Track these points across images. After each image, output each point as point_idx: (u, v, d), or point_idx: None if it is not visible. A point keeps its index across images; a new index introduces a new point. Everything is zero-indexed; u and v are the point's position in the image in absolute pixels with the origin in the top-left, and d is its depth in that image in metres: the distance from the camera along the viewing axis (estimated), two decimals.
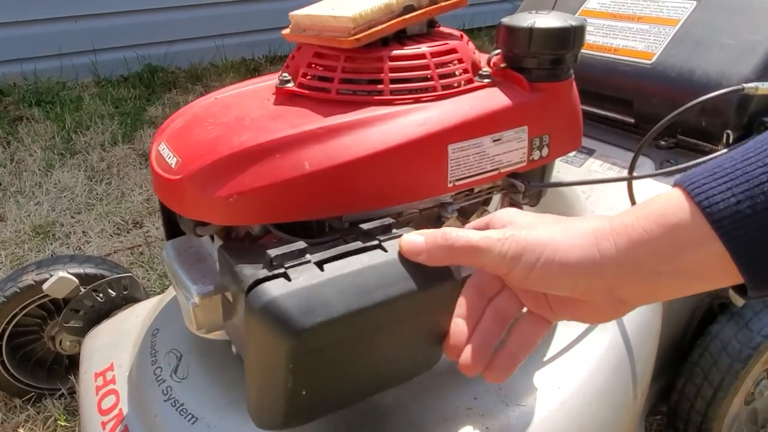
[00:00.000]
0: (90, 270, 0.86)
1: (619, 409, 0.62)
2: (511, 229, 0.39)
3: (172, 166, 0.53)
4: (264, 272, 0.44)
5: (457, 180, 0.56)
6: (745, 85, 0.63)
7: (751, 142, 0.33)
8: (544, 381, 0.62)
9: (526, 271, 0.37)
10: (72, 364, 0.93)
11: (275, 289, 0.39)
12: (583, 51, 0.88)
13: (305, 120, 0.53)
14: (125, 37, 2.62)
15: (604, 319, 0.40)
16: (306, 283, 0.40)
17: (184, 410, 0.61)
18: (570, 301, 0.39)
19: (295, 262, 0.43)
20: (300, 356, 0.39)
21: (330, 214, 0.52)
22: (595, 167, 0.82)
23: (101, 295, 0.85)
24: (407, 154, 0.52)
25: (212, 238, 0.60)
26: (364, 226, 0.48)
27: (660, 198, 0.35)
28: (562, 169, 0.85)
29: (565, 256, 0.36)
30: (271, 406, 0.44)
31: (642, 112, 0.80)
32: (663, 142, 0.77)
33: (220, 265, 0.53)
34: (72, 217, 1.50)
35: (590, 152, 0.84)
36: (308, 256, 0.45)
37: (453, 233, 0.40)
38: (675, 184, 0.34)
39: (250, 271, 0.44)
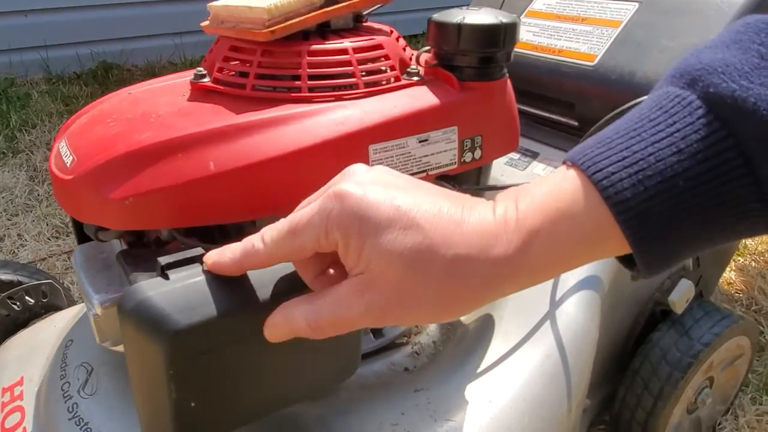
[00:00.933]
0: (6, 276, 0.81)
1: (553, 423, 0.60)
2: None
3: (67, 165, 0.49)
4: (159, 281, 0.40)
5: None
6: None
7: (634, 111, 0.31)
8: (475, 394, 0.59)
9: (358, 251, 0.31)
10: None
11: (149, 288, 0.36)
12: (527, 52, 0.87)
13: (215, 117, 0.49)
14: (78, 33, 2.53)
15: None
16: (184, 281, 0.36)
17: (88, 429, 0.56)
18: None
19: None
20: (179, 360, 0.36)
21: (240, 218, 0.48)
22: (538, 170, 0.80)
23: (18, 303, 0.79)
24: (324, 155, 0.49)
25: (121, 242, 0.56)
26: None
27: (554, 180, 0.32)
28: (506, 173, 0.83)
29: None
30: (162, 426, 0.40)
31: (584, 114, 0.78)
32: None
33: (121, 271, 0.49)
34: (8, 219, 1.43)
35: (534, 155, 0.82)
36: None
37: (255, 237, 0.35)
38: (566, 161, 0.32)
39: (144, 279, 0.40)
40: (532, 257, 0.31)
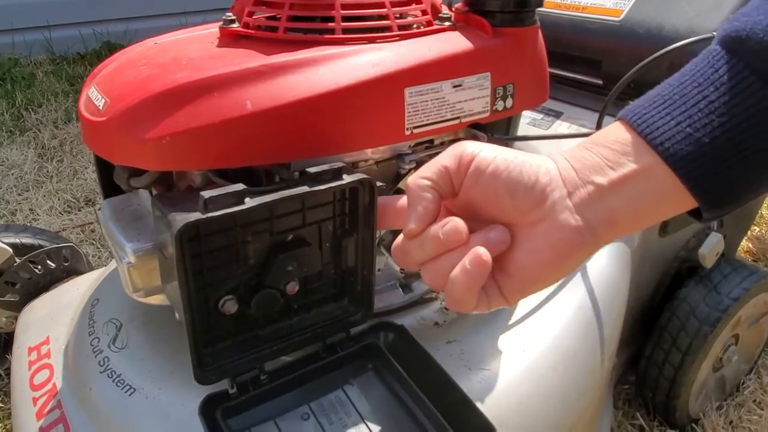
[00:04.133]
0: (27, 240, 0.80)
1: (587, 373, 0.60)
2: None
3: (100, 108, 0.48)
4: (196, 215, 0.39)
5: (415, 127, 0.52)
6: (715, 33, 0.60)
7: (685, 67, 0.33)
8: (508, 345, 0.59)
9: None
10: (10, 343, 0.87)
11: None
12: (550, 10, 0.86)
13: (249, 59, 0.48)
14: (81, 13, 2.50)
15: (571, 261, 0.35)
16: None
17: (121, 381, 0.56)
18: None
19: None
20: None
21: (275, 159, 0.47)
22: (562, 129, 0.79)
23: (39, 266, 0.79)
24: (360, 97, 0.48)
25: (152, 193, 0.55)
26: (312, 169, 0.44)
27: (604, 134, 0.33)
28: (530, 132, 0.82)
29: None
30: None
31: (610, 71, 0.77)
32: (631, 102, 0.75)
33: (154, 218, 0.48)
34: (19, 195, 1.42)
35: (558, 115, 0.81)
36: (247, 200, 0.41)
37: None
38: (617, 118, 0.34)
39: (183, 216, 0.40)
40: (604, 215, 0.32)
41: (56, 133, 1.76)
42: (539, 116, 0.82)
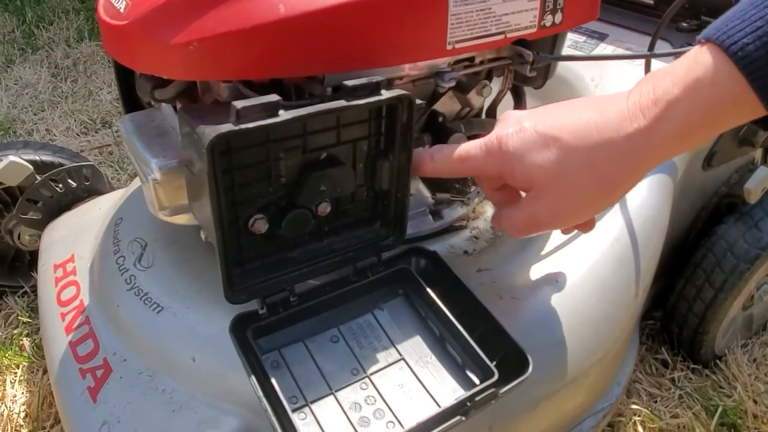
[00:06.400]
0: (47, 157, 0.78)
1: (620, 305, 0.58)
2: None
3: (121, 10, 0.44)
4: (228, 126, 0.37)
5: (458, 42, 0.48)
6: None
7: None
8: (540, 275, 0.57)
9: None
10: (34, 261, 0.87)
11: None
12: None
13: None
14: None
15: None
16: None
17: (149, 299, 0.55)
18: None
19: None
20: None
21: (309, 71, 0.44)
22: (607, 53, 0.74)
23: (60, 185, 0.77)
24: (400, 5, 0.44)
25: (175, 109, 0.52)
26: (350, 82, 0.41)
27: (689, 58, 0.35)
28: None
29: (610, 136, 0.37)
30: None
31: None
32: (685, 24, 0.69)
33: (181, 132, 0.46)
34: (35, 114, 1.40)
35: (602, 37, 0.76)
36: (281, 112, 0.39)
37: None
38: (700, 40, 0.35)
39: (213, 128, 0.37)
40: (672, 125, 0.35)
41: (69, 52, 1.71)
42: (582, 38, 0.77)
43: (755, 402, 0.74)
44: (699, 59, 0.35)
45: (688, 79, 0.35)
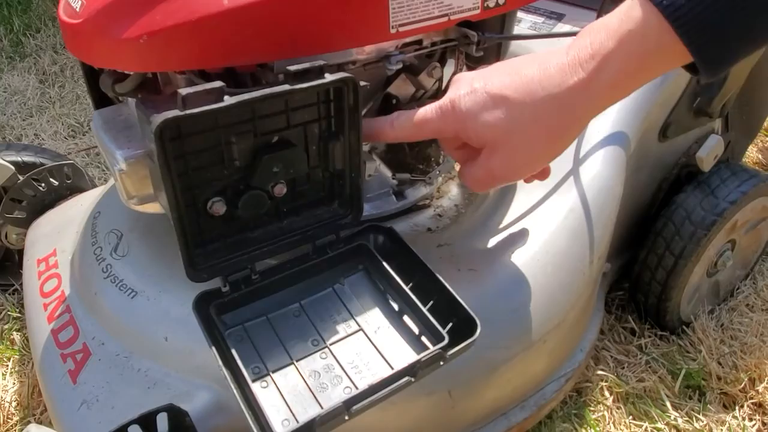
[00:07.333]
0: (28, 158, 0.81)
1: (575, 274, 0.61)
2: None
3: (77, 9, 0.47)
4: (174, 112, 0.39)
5: (401, 25, 0.50)
6: None
7: None
8: (498, 247, 0.60)
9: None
10: (22, 259, 0.90)
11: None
12: None
13: None
14: None
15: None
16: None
17: (124, 285, 0.58)
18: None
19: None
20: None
21: (255, 59, 0.46)
22: (564, 31, 0.76)
23: (43, 184, 0.80)
24: None
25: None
26: (293, 67, 0.44)
27: (622, 12, 0.38)
28: None
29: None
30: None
31: None
32: None
33: (140, 122, 0.48)
34: (23, 120, 1.43)
35: (559, 17, 0.78)
36: (226, 98, 0.41)
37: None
38: None
39: (161, 116, 0.40)
40: (609, 75, 0.38)
41: (56, 58, 1.73)
42: (540, 19, 0.79)
43: (719, 363, 0.76)
44: (630, 13, 0.38)
45: (621, 32, 0.38)
